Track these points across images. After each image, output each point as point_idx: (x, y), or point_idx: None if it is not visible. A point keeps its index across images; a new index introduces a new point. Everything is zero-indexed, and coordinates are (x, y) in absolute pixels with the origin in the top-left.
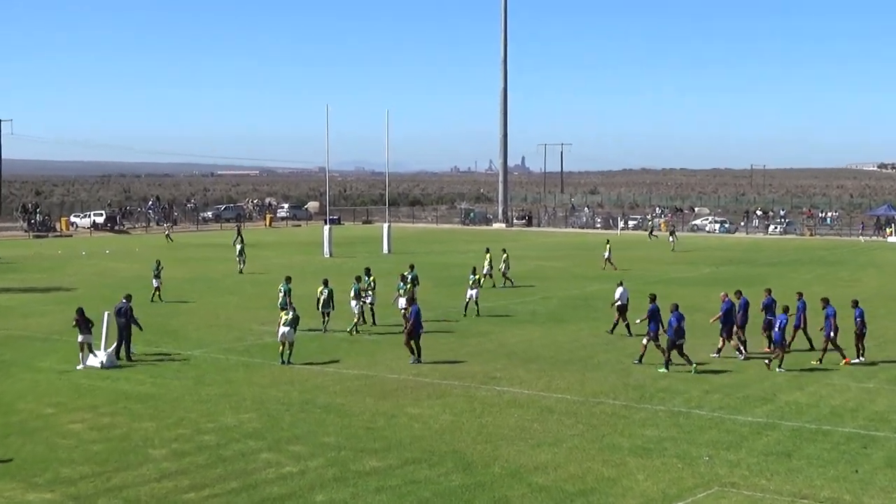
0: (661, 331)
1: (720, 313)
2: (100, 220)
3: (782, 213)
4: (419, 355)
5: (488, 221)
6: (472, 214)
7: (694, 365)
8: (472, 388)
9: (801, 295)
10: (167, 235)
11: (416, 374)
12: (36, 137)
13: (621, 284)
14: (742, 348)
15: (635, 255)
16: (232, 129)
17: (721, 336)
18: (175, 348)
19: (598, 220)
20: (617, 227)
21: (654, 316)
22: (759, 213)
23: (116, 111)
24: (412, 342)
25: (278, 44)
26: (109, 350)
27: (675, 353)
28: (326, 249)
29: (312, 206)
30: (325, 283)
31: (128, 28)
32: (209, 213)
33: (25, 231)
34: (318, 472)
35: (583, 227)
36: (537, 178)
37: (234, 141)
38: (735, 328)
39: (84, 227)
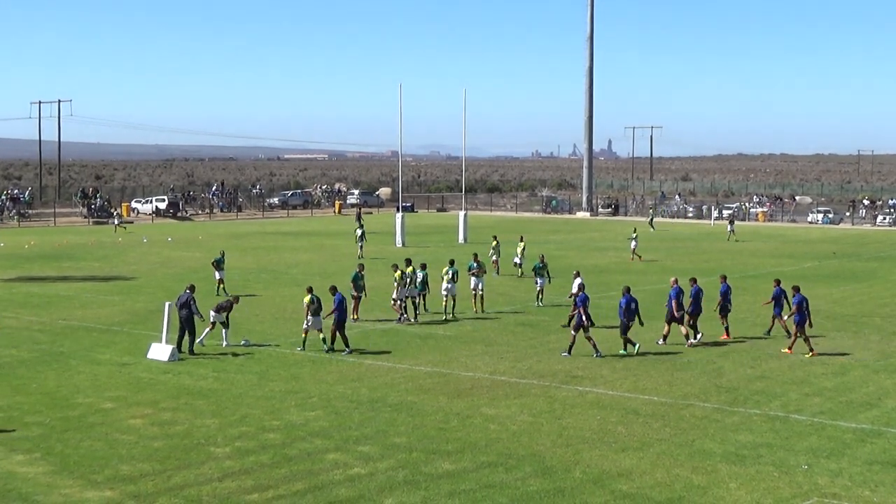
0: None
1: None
2: (162, 205)
3: (892, 202)
4: (346, 344)
5: (571, 210)
6: (554, 202)
7: (637, 346)
8: (553, 387)
9: (778, 282)
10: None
11: (493, 372)
12: (97, 119)
13: (578, 275)
14: (692, 336)
15: (721, 248)
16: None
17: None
18: (238, 342)
19: (691, 209)
20: (711, 216)
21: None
22: (866, 202)
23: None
24: (340, 332)
25: (348, 19)
26: (176, 345)
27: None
28: (399, 238)
29: (384, 192)
30: (422, 268)
31: (191, 7)
32: (275, 200)
33: (85, 217)
34: (387, 474)
35: (673, 217)
36: (625, 164)
37: (302, 123)
38: (686, 315)
39: (146, 214)
